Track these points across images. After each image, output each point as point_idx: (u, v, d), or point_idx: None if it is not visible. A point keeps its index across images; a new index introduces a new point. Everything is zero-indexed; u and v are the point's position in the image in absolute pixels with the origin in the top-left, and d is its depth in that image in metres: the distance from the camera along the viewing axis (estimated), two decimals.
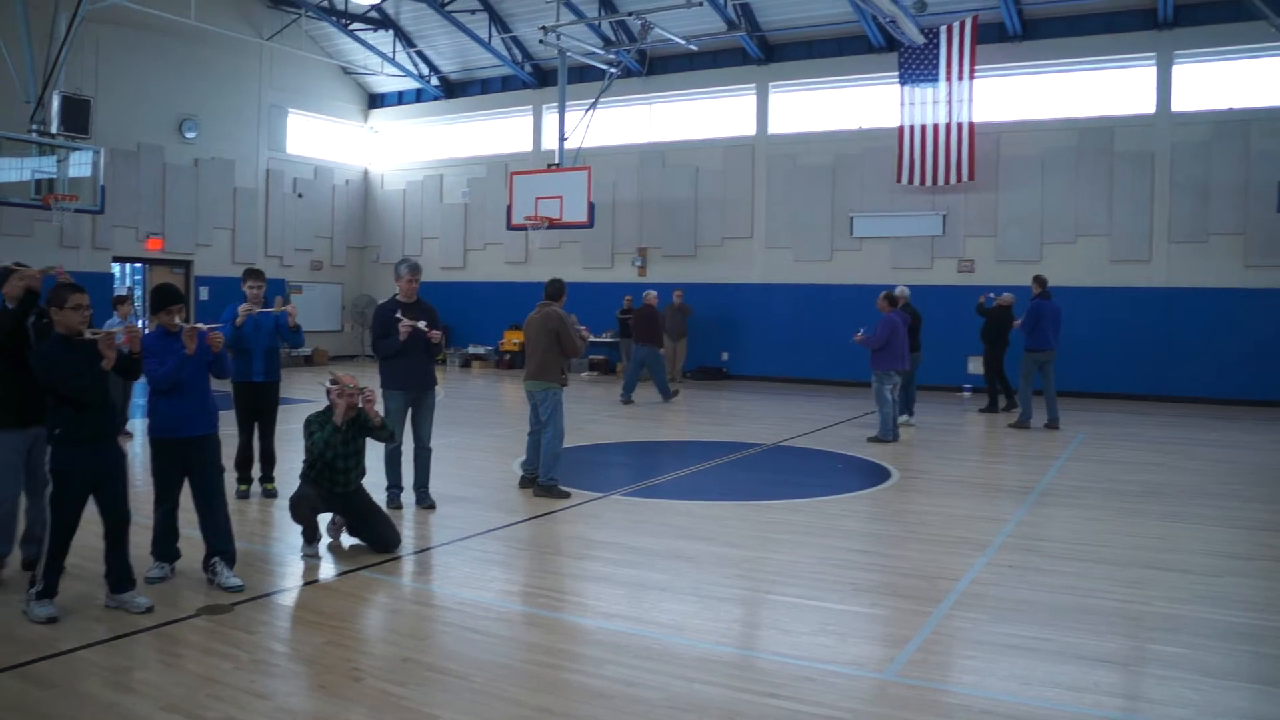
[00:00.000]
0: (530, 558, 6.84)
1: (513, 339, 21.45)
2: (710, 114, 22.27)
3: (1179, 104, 19.13)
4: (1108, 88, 19.63)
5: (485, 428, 13.07)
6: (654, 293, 18.02)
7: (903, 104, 19.94)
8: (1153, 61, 19.20)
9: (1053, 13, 19.40)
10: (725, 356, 21.76)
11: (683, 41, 18.69)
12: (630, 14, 18.55)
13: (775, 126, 21.32)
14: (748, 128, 21.57)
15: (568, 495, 8.47)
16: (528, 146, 24.17)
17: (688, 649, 4.94)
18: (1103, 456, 11.85)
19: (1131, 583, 6.44)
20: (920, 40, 17.56)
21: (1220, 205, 18.62)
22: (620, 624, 5.32)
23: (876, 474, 10.13)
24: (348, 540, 6.69)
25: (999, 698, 4.52)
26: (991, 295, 15.13)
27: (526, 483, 8.79)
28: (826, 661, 4.81)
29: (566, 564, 6.68)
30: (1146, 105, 19.29)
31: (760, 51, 20.58)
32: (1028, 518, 8.18)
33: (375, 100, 26.60)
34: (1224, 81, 18.98)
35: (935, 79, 18.02)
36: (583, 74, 21.59)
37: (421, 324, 7.89)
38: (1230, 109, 18.84)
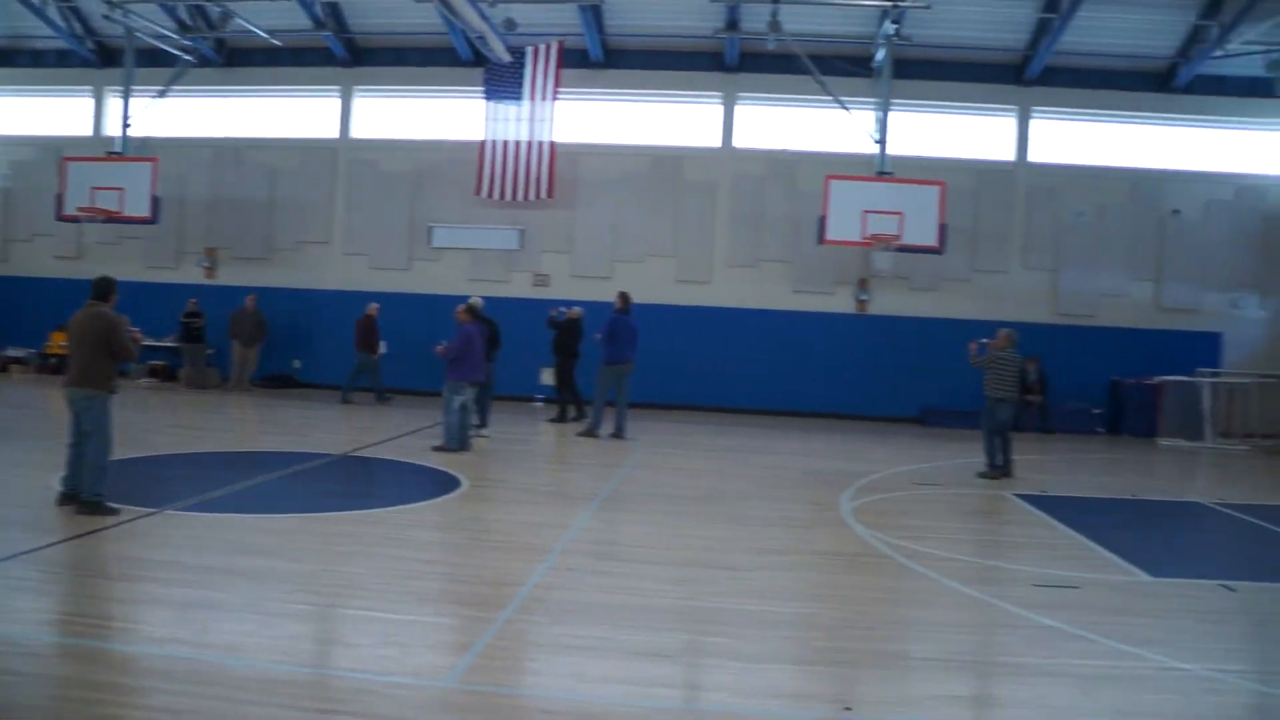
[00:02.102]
0: (69, 582, 6.74)
1: (60, 341, 21.70)
2: (291, 113, 23.80)
3: (739, 141, 22.85)
4: (680, 120, 22.94)
5: (22, 440, 12.95)
6: (376, 305, 19.76)
7: (487, 119, 22.28)
8: (719, 100, 22.92)
9: (632, 45, 22.69)
10: (297, 364, 22.91)
11: (265, 35, 18.81)
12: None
13: (358, 131, 23.48)
14: (330, 130, 23.44)
15: (116, 512, 8.39)
16: (87, 130, 24.35)
17: (244, 670, 5.08)
18: (664, 464, 13.79)
19: (683, 581, 7.56)
20: (507, 59, 18.96)
21: (772, 235, 22.32)
22: (170, 649, 5.36)
23: (446, 483, 11.15)
24: None
25: (557, 696, 5.09)
26: (563, 309, 16.51)
27: (67, 499, 8.58)
28: (388, 673, 5.15)
29: (111, 587, 6.65)
30: (713, 140, 22.79)
31: (347, 53, 23.17)
32: (591, 523, 9.49)
33: None
34: (778, 124, 22.87)
35: (519, 98, 19.59)
36: (154, 58, 22.44)
37: None
38: (783, 150, 22.64)
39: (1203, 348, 21.49)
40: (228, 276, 22.47)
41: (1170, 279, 21.80)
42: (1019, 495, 12.13)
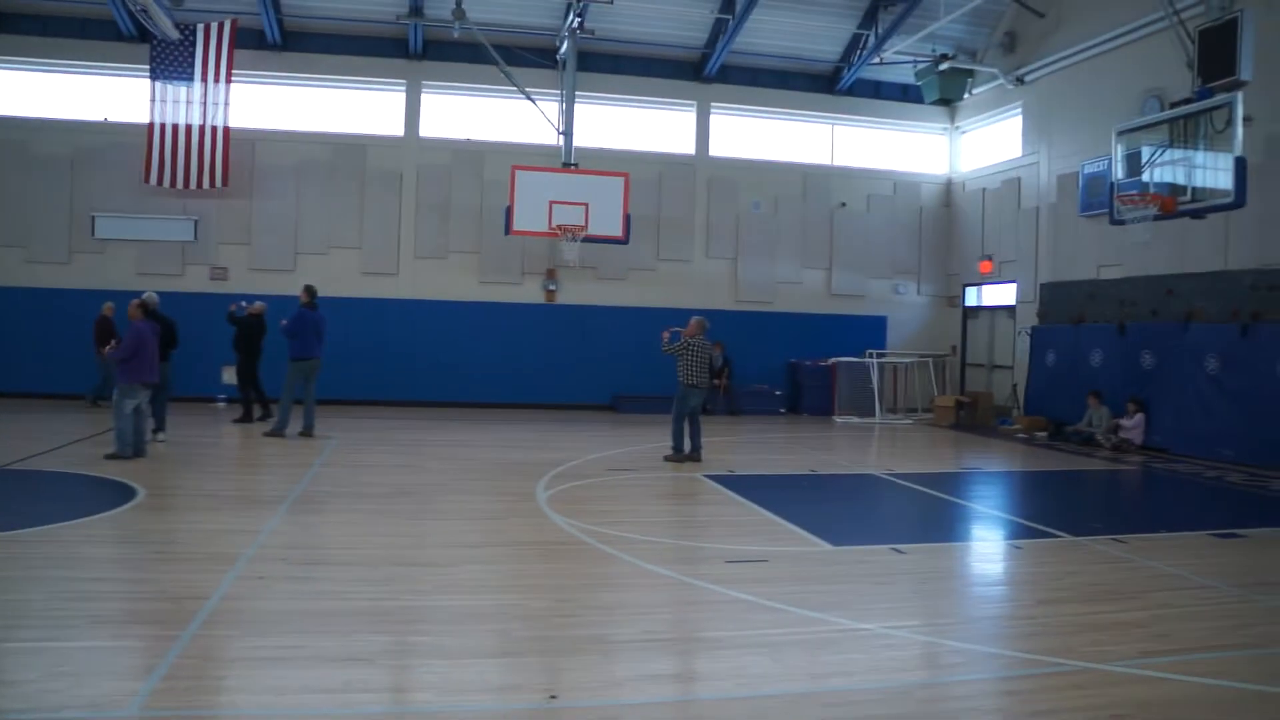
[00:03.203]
0: None
1: None
2: None
3: (425, 130, 23.98)
4: (363, 107, 23.79)
5: None
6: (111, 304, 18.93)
7: (154, 100, 22.16)
8: (403, 88, 24.02)
9: (312, 28, 23.42)
10: None
11: None
12: None
13: (2, 107, 22.56)
14: None
15: None
16: None
17: None
18: (355, 461, 14.14)
19: (381, 581, 7.74)
20: (175, 36, 18.27)
21: (459, 226, 23.64)
22: None
23: (121, 493, 10.90)
24: None
25: (255, 713, 5.19)
26: (244, 304, 16.11)
27: None
28: (60, 709, 4.93)
29: None
30: (397, 128, 23.81)
31: None
32: (281, 527, 9.63)
33: None
34: (464, 114, 24.01)
35: (190, 78, 19.10)
36: None
37: None
38: (469, 139, 23.92)
39: (870, 330, 24.29)
40: None
41: (839, 267, 24.57)
42: (709, 476, 13.42)
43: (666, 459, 14.37)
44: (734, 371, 23.31)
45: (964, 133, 25.48)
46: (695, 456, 14.42)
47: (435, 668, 5.71)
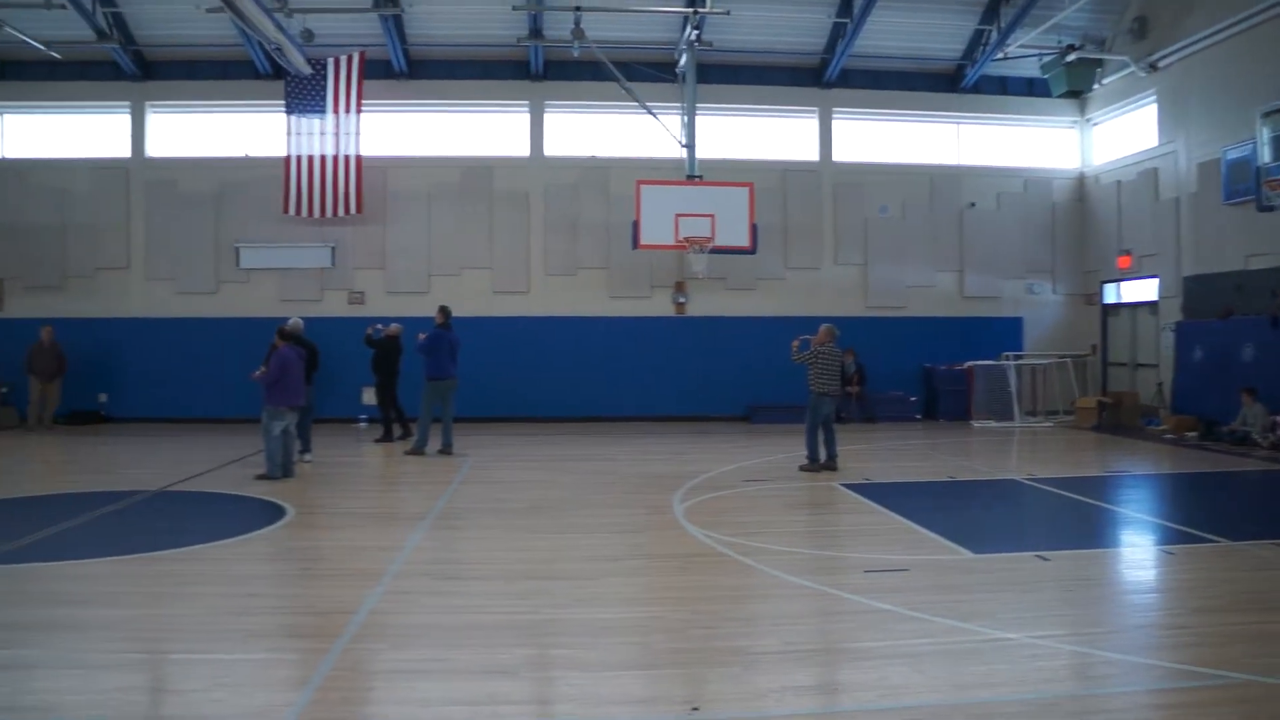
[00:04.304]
0: None
1: None
2: (78, 130, 23.98)
3: (550, 149, 24.10)
4: (488, 130, 24.17)
5: None
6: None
7: (290, 134, 23.09)
8: (527, 109, 24.28)
9: (436, 55, 23.80)
10: (103, 398, 23.12)
11: (42, 47, 17.70)
12: None
13: (153, 149, 23.93)
14: (121, 148, 23.71)
15: None
16: None
17: None
18: (493, 478, 14.33)
19: (521, 595, 7.79)
20: (307, 71, 18.79)
21: (587, 242, 23.77)
22: None
23: (271, 513, 11.32)
24: None
25: None
26: (380, 326, 16.14)
27: None
28: (221, 718, 5.15)
29: None
30: (522, 149, 24.10)
31: (136, 67, 24.60)
32: (423, 543, 9.80)
33: None
34: (587, 132, 24.18)
35: (323, 110, 19.66)
36: None
37: None
38: (593, 156, 23.99)
39: (1006, 332, 23.80)
40: (18, 308, 22.30)
41: (971, 268, 24.10)
42: (845, 485, 13.23)
43: (802, 469, 14.30)
44: (867, 378, 23.07)
45: (1095, 125, 24.74)
46: (831, 465, 14.28)
47: (576, 680, 5.78)
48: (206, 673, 5.83)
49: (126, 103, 23.34)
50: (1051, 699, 5.49)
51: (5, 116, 23.51)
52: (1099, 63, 23.20)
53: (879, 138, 24.71)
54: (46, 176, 23.14)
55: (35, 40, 20.52)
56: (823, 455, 14.37)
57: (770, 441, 18.19)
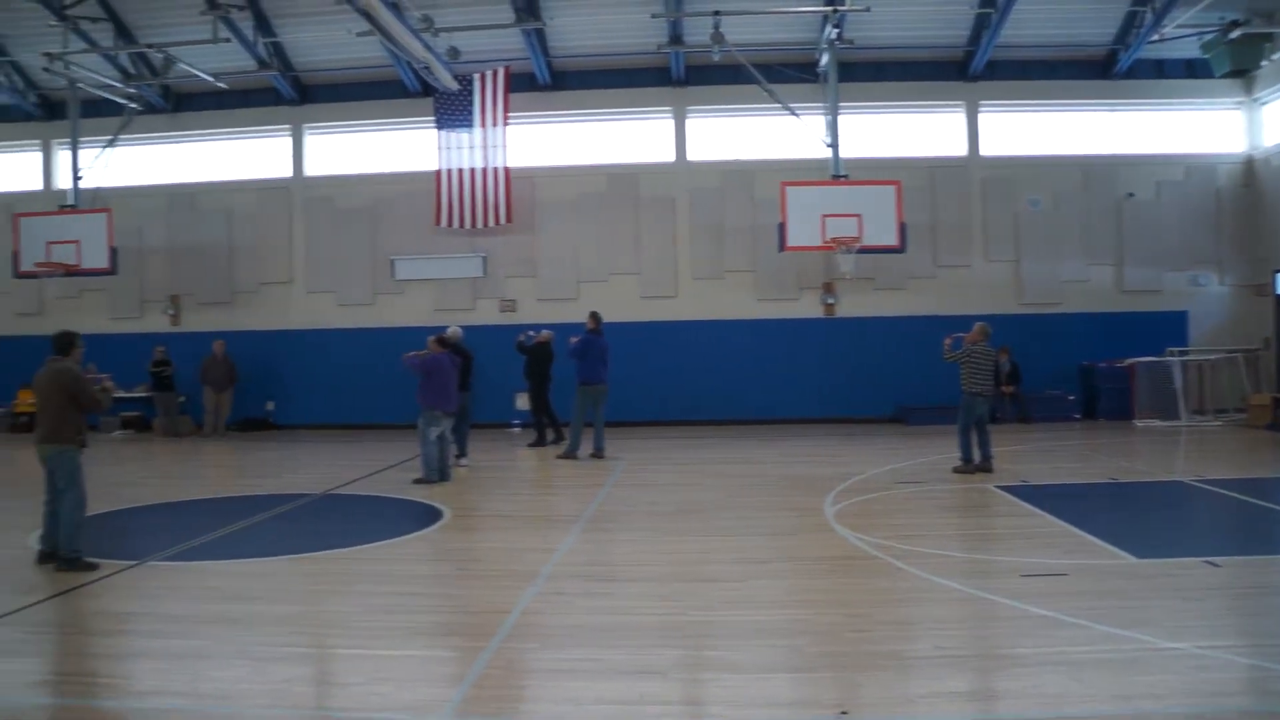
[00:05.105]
0: (52, 641, 6.91)
1: (27, 399, 22.91)
2: (243, 154, 25.15)
3: (694, 154, 24.12)
4: (633, 137, 24.29)
5: None
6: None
7: (440, 148, 23.57)
8: (670, 115, 24.31)
9: (578, 66, 24.01)
10: (270, 406, 24.31)
11: (210, 79, 19.30)
12: (150, 46, 18.06)
13: (311, 169, 24.95)
14: (283, 169, 24.81)
15: (95, 567, 8.59)
16: (37, 185, 25.37)
17: (233, 717, 5.24)
18: (644, 481, 14.35)
19: (672, 596, 7.81)
20: (454, 87, 19.35)
21: (733, 245, 23.62)
22: (157, 700, 5.51)
23: (428, 515, 11.58)
24: None
25: None
26: (531, 333, 16.55)
27: (46, 558, 8.87)
28: (382, 710, 5.28)
29: (94, 643, 6.80)
30: (667, 155, 24.11)
31: (294, 92, 24.80)
32: (576, 545, 9.86)
33: None
34: (731, 135, 24.09)
35: (470, 125, 20.30)
36: (100, 108, 23.70)
37: None
38: (737, 160, 23.91)
39: (1169, 326, 22.97)
40: (193, 322, 23.54)
41: (1130, 261, 23.34)
42: (1000, 487, 12.94)
43: (956, 470, 14.06)
44: (1022, 377, 22.43)
45: (1263, 104, 23.43)
46: (986, 467, 13.99)
47: (727, 681, 5.82)
48: (368, 667, 6.11)
49: (287, 126, 24.41)
50: (1222, 714, 5.21)
51: (180, 145, 24.81)
52: (1268, 37, 21.73)
53: (1028, 129, 23.99)
54: (215, 199, 24.42)
55: (204, 73, 21.78)
56: (977, 456, 14.11)
57: (923, 443, 17.83)
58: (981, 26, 22.24)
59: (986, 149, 23.73)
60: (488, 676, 5.85)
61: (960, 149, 23.77)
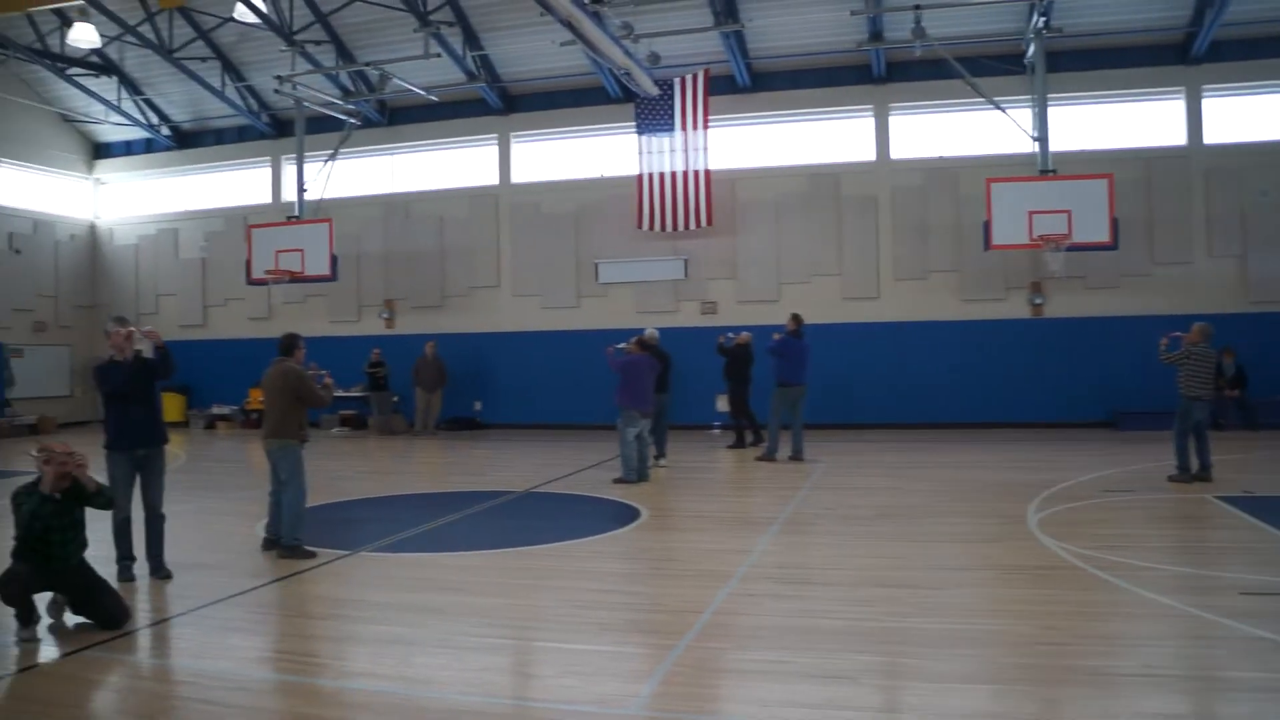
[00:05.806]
0: (274, 622, 7.45)
1: (258, 397, 20.94)
2: (453, 164, 26.30)
3: (896, 152, 23.74)
4: (834, 136, 24.09)
5: (227, 490, 14.45)
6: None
7: (641, 153, 23.93)
8: (870, 113, 24.01)
9: (779, 66, 24.03)
10: (478, 406, 25.32)
11: (422, 92, 19.86)
12: (368, 64, 19.32)
13: (518, 176, 25.71)
14: (491, 177, 25.83)
15: (313, 555, 9.18)
16: (267, 198, 27.42)
17: (435, 701, 5.48)
18: (842, 484, 14.23)
19: (866, 601, 7.70)
20: (655, 92, 19.50)
21: (937, 245, 23.22)
22: (366, 682, 5.89)
23: (626, 514, 11.75)
24: (72, 620, 7.03)
25: None
26: (731, 335, 16.62)
27: (270, 545, 9.49)
28: (571, 702, 5.45)
29: (311, 625, 7.30)
30: (868, 153, 23.84)
31: (501, 102, 25.64)
32: (770, 547, 9.88)
33: (101, 150, 29.78)
34: (934, 132, 23.65)
35: (671, 128, 20.57)
36: (322, 124, 25.46)
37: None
38: (941, 157, 23.48)
39: None
40: (406, 325, 24.56)
41: None
42: (1220, 498, 11.98)
43: (1171, 479, 13.10)
44: (1250, 381, 20.91)
45: None
46: (1204, 476, 13.01)
47: (919, 690, 5.70)
48: (561, 660, 6.28)
49: (494, 135, 25.40)
50: None
51: (394, 157, 26.24)
52: None
53: (1259, 113, 22.26)
54: (428, 207, 25.69)
55: (417, 87, 22.97)
56: (1194, 465, 13.12)
57: (1137, 449, 16.97)
58: (1204, 5, 20.77)
59: (1210, 136, 22.22)
60: (676, 674, 5.89)
61: (1179, 138, 22.43)
